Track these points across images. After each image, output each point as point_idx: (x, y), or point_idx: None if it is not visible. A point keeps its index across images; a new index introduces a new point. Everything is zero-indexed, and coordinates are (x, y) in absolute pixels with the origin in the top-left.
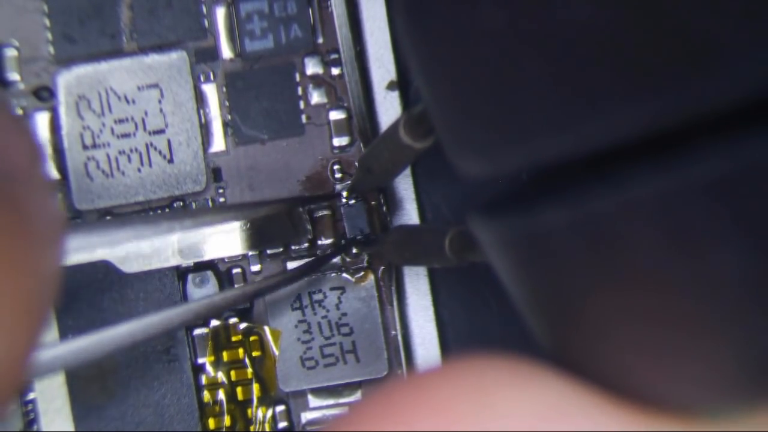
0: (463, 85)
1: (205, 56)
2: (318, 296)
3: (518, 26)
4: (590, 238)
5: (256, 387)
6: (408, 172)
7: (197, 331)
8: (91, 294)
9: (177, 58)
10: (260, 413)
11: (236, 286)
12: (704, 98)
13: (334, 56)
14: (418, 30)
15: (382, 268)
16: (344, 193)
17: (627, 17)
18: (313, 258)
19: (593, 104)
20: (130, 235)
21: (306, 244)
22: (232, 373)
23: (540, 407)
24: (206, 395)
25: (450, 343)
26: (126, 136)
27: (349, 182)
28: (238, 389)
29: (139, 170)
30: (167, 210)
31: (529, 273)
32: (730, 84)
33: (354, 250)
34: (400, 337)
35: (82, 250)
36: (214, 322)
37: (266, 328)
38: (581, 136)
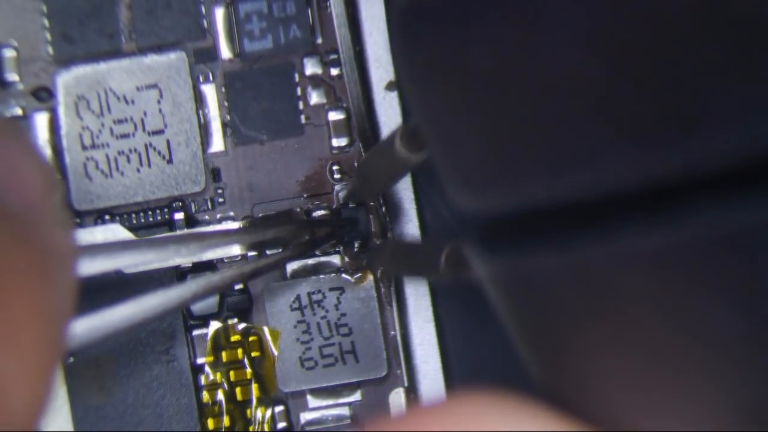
0: (457, 123)
1: (204, 57)
2: (317, 296)
3: (507, 69)
4: (581, 282)
5: (255, 387)
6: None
7: (196, 332)
8: (91, 294)
9: (176, 58)
10: (259, 413)
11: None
12: (692, 158)
13: (333, 57)
14: (413, 63)
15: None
16: (341, 195)
17: (617, 69)
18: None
19: (583, 153)
20: (137, 260)
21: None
22: (231, 373)
23: None
24: (205, 395)
25: (449, 343)
26: (125, 136)
27: (347, 184)
28: (237, 389)
29: (138, 171)
30: (166, 210)
31: (520, 309)
32: (718, 146)
33: (355, 249)
34: (399, 338)
35: (89, 273)
36: (214, 323)
37: (265, 329)
38: (573, 183)
